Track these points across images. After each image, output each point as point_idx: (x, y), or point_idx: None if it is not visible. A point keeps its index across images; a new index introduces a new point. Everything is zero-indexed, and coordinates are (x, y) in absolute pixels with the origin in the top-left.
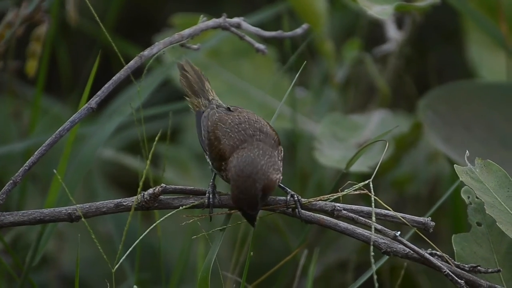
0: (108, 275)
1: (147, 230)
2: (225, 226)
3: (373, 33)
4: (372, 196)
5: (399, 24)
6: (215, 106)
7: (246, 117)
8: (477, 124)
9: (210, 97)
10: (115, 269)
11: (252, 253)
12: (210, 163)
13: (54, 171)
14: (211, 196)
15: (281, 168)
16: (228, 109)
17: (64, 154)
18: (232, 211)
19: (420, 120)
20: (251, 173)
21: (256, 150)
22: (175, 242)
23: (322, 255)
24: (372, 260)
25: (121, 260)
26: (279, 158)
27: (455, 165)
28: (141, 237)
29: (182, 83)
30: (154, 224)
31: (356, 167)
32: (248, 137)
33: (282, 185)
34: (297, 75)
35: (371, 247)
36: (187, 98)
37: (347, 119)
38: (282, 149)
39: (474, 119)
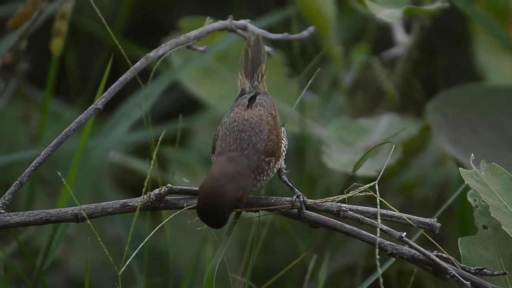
0: (116, 279)
1: (154, 231)
2: (236, 221)
3: (381, 37)
4: (378, 197)
5: (407, 28)
6: (247, 97)
7: (252, 125)
8: (485, 127)
9: (255, 83)
10: (121, 271)
11: (258, 256)
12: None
13: (62, 176)
14: None
15: (253, 183)
16: (251, 99)
17: (76, 158)
18: (237, 210)
19: (428, 123)
20: (216, 205)
21: (231, 167)
22: (184, 246)
23: (330, 259)
24: (378, 263)
25: (127, 263)
26: (255, 179)
27: (460, 168)
28: (147, 237)
29: (241, 58)
30: (161, 224)
31: (363, 171)
32: (239, 149)
33: (290, 185)
34: (309, 82)
35: (377, 249)
36: (239, 75)
37: (355, 123)
38: (273, 160)
39: (482, 122)
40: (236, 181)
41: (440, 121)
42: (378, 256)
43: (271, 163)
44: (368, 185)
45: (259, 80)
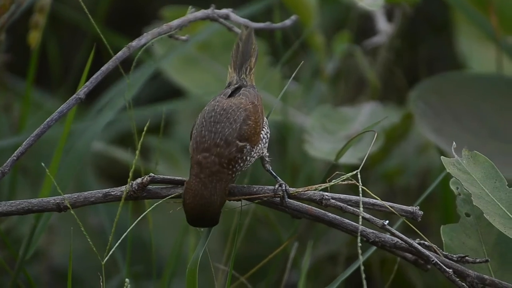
0: (99, 268)
1: (137, 220)
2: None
3: (363, 25)
4: (360, 185)
5: (389, 16)
6: (230, 89)
7: (228, 114)
8: (467, 115)
9: (243, 76)
10: (105, 261)
11: (241, 245)
12: None
13: (45, 166)
14: None
15: (231, 177)
16: (235, 90)
17: (58, 147)
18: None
19: (410, 111)
20: (204, 216)
21: (205, 185)
22: (167, 235)
23: (313, 247)
24: (360, 251)
25: (110, 252)
26: (231, 171)
27: (442, 156)
28: (130, 227)
29: (232, 52)
30: (144, 214)
31: (346, 159)
32: (212, 145)
33: (274, 174)
34: (293, 74)
35: (359, 237)
36: (228, 69)
37: (337, 112)
38: (247, 147)
39: (464, 110)
40: (217, 188)
41: (423, 109)
42: (360, 244)
43: (245, 150)
44: (350, 174)
45: (247, 73)
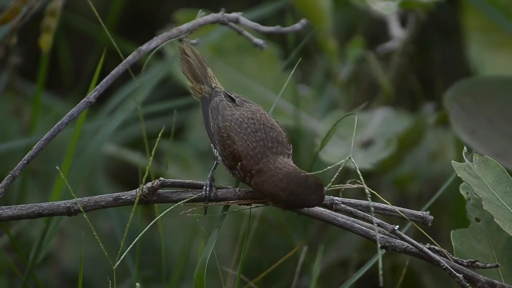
0: (109, 272)
1: (148, 226)
2: (225, 213)
3: (377, 31)
4: (367, 189)
5: (403, 22)
6: (222, 96)
7: (261, 121)
8: (501, 118)
9: (213, 84)
10: (116, 265)
11: (249, 248)
12: (220, 158)
13: (57, 167)
14: (208, 189)
15: None
16: (233, 100)
17: (69, 151)
18: (229, 203)
19: (423, 117)
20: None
21: (290, 167)
22: (177, 239)
23: (324, 253)
24: (380, 256)
25: (122, 256)
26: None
27: (452, 161)
28: (141, 233)
29: (183, 67)
30: (155, 220)
31: (358, 164)
32: (266, 149)
33: None
34: (302, 76)
35: (369, 240)
36: (189, 84)
37: (350, 117)
38: (291, 147)
39: (498, 113)
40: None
41: (457, 110)
42: (379, 245)
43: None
44: (359, 178)
45: (215, 80)
